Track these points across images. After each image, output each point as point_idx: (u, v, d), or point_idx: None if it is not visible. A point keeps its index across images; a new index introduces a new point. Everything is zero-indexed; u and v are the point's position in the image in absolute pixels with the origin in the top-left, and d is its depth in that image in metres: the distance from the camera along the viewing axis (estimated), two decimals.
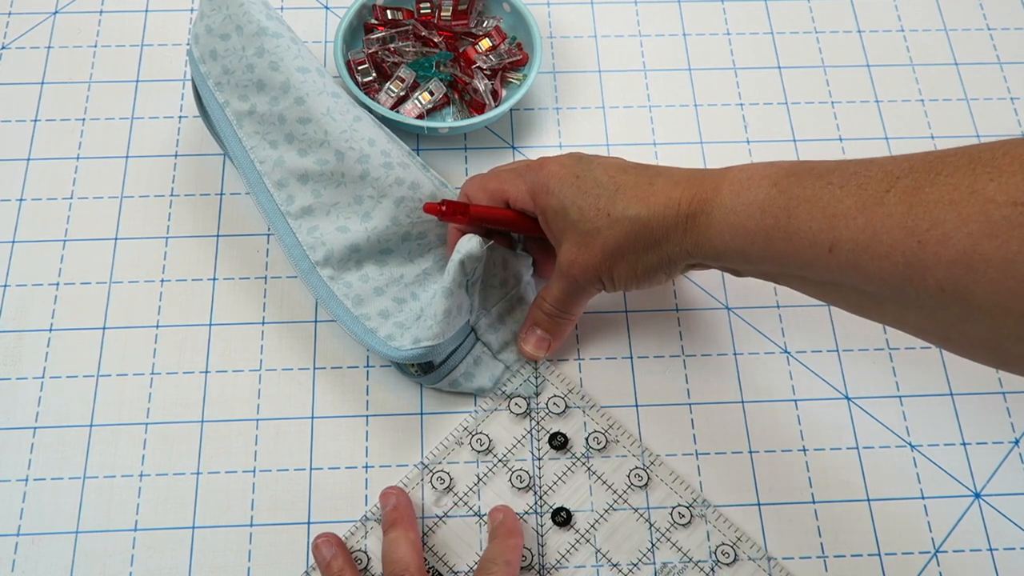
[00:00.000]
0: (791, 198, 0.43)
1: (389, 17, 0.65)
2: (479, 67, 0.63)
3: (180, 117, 0.65)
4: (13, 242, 0.60)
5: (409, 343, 0.51)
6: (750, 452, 0.55)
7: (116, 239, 0.60)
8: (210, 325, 0.58)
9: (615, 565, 0.52)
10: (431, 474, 0.54)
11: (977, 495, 0.55)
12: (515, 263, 0.56)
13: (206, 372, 0.56)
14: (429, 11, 0.65)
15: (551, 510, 0.53)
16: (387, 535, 0.50)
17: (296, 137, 0.55)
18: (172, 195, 0.62)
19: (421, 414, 0.56)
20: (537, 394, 0.56)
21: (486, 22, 0.66)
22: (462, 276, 0.51)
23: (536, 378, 0.56)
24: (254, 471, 0.54)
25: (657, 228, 0.48)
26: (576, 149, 0.64)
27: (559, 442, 0.54)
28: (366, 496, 0.54)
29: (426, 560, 0.52)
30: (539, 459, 0.55)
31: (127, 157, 0.63)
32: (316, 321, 0.58)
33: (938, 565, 0.53)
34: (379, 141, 0.55)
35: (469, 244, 0.51)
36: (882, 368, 0.58)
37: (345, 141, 0.54)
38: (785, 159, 0.46)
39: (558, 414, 0.56)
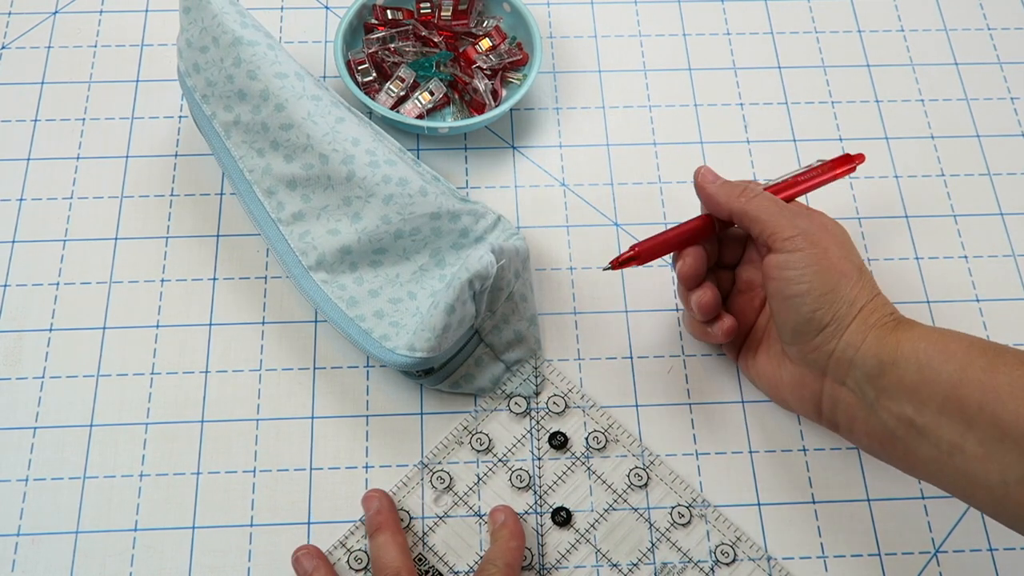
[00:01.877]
0: (997, 351, 0.43)
1: (389, 17, 0.65)
2: (479, 67, 0.63)
3: (180, 117, 0.65)
4: (13, 242, 0.60)
5: (404, 348, 0.51)
6: (750, 452, 0.55)
7: (116, 239, 0.60)
8: (210, 325, 0.58)
9: (615, 565, 0.52)
10: (431, 474, 0.54)
11: None
12: (515, 260, 0.56)
13: (206, 372, 0.56)
14: (429, 11, 0.65)
15: (551, 510, 0.53)
16: (374, 539, 0.50)
17: (280, 144, 0.55)
18: (172, 195, 0.62)
19: (421, 414, 0.56)
20: (537, 394, 0.56)
21: (486, 22, 0.66)
22: (468, 294, 0.51)
23: (536, 378, 0.56)
24: (254, 471, 0.54)
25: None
26: (576, 149, 0.65)
27: (559, 442, 0.54)
28: None
29: (426, 560, 0.52)
30: (539, 459, 0.55)
31: (127, 157, 0.63)
32: (316, 321, 0.58)
33: (938, 565, 0.53)
34: (363, 140, 0.55)
35: (480, 263, 0.50)
36: None
37: (328, 144, 0.54)
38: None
39: (558, 414, 0.56)
